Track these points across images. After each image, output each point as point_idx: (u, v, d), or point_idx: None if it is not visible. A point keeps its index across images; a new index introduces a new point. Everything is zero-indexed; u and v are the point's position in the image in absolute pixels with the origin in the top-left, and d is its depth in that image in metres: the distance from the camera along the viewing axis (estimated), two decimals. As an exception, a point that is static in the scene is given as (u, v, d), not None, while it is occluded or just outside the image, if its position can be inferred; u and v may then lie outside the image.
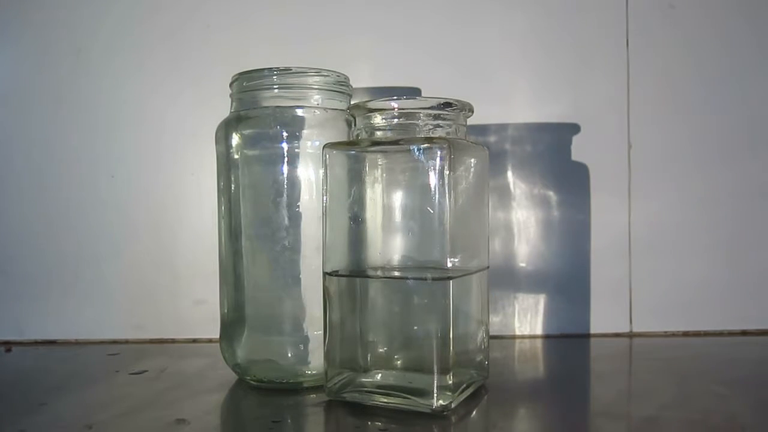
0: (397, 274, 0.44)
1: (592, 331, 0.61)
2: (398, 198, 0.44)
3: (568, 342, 0.60)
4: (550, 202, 0.61)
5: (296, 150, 0.47)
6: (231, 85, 0.49)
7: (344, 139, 0.47)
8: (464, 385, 0.43)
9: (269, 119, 0.47)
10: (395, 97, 0.43)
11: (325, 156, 0.43)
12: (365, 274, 0.45)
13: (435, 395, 0.40)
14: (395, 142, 0.42)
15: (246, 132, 0.48)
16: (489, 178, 0.50)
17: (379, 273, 0.45)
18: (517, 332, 0.61)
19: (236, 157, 0.48)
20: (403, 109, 0.43)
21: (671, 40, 0.61)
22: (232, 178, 0.48)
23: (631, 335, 0.61)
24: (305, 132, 0.47)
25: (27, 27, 0.62)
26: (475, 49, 0.61)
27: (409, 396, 0.41)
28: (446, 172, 0.40)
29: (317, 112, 0.47)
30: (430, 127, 0.43)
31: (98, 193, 0.62)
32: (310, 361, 0.47)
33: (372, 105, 0.43)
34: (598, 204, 0.61)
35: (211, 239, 0.53)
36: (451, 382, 0.41)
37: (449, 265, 0.41)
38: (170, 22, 0.62)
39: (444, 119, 0.43)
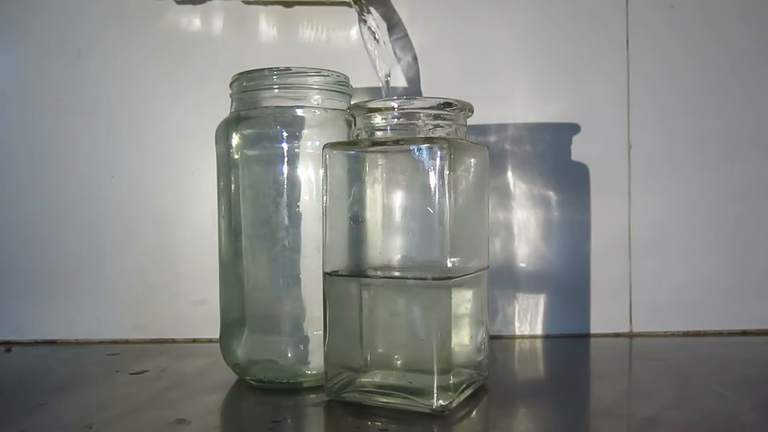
0: (397, 274, 0.44)
1: (592, 331, 0.61)
2: (398, 198, 0.44)
3: (568, 342, 0.60)
4: (550, 202, 0.61)
5: (296, 150, 0.47)
6: (231, 85, 0.49)
7: (344, 139, 0.47)
8: (464, 385, 0.43)
9: (269, 119, 0.47)
10: (395, 97, 0.43)
11: (325, 156, 0.43)
12: (365, 274, 0.45)
13: (435, 395, 0.40)
14: (395, 142, 0.42)
15: (246, 132, 0.48)
16: (489, 178, 0.50)
17: (379, 273, 0.44)
18: (517, 332, 0.61)
19: (236, 157, 0.48)
20: (403, 109, 0.43)
21: (671, 39, 0.61)
22: (232, 178, 0.48)
23: (631, 335, 0.61)
24: (305, 132, 0.47)
25: (27, 27, 0.62)
26: (475, 48, 0.61)
27: (409, 396, 0.41)
28: (446, 172, 0.40)
29: (317, 112, 0.47)
30: (430, 127, 0.43)
31: (98, 193, 0.62)
32: (310, 361, 0.47)
33: (372, 105, 0.43)
34: (598, 204, 0.61)
35: (211, 239, 0.53)
36: (451, 382, 0.41)
37: (449, 265, 0.41)
38: (171, 21, 0.62)
39: (444, 119, 0.43)
